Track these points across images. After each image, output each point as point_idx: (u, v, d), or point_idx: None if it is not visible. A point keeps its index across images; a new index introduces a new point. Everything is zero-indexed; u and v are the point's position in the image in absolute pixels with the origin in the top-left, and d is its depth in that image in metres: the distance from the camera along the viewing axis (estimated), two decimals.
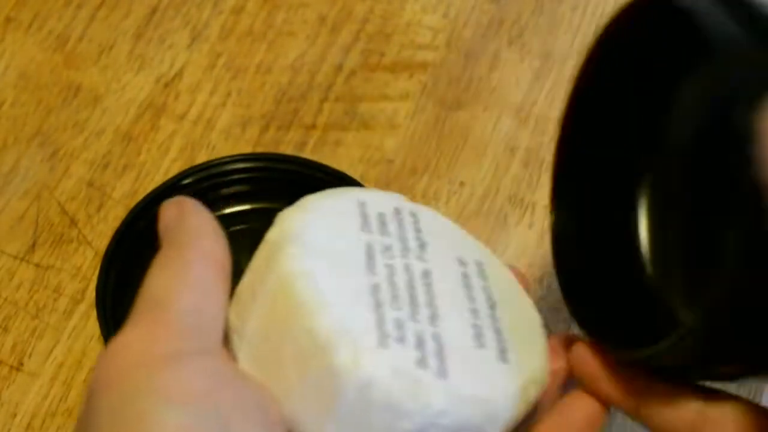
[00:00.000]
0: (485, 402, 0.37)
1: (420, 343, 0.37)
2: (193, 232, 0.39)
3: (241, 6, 0.69)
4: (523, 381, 0.39)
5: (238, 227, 0.62)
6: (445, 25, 0.68)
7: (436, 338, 0.38)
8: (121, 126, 0.66)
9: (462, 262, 0.42)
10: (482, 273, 0.43)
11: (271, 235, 0.40)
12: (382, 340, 0.37)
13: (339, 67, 0.67)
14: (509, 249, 0.62)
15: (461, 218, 0.62)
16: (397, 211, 0.43)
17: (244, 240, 0.61)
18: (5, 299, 0.61)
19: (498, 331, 0.40)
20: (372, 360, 0.36)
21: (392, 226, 0.42)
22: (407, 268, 0.40)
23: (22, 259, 0.62)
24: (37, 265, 0.62)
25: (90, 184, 0.64)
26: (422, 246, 0.42)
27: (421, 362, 0.37)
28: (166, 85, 0.67)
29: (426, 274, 0.40)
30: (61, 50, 0.68)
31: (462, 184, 0.63)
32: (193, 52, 0.68)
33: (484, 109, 0.65)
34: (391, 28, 0.68)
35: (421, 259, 0.41)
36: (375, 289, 0.38)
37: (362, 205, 0.42)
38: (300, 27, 0.68)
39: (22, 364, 0.59)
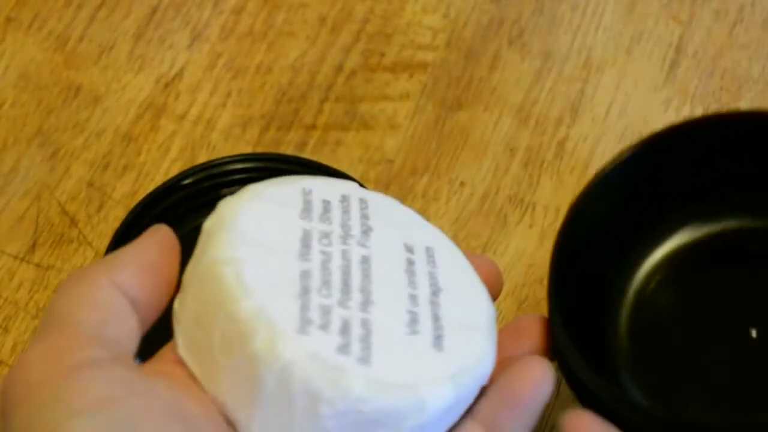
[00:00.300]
0: (408, 389, 0.37)
1: (345, 329, 0.37)
2: (120, 260, 0.39)
3: (242, 6, 0.69)
4: (455, 369, 0.39)
5: None
6: (445, 25, 0.68)
7: (365, 324, 0.38)
8: (121, 126, 0.66)
9: (409, 248, 0.42)
10: (431, 259, 0.42)
11: (207, 222, 0.40)
12: (303, 326, 0.37)
13: (339, 68, 0.67)
14: (509, 249, 0.61)
15: (461, 218, 0.62)
16: (345, 198, 0.43)
17: None
18: (5, 299, 0.61)
19: (437, 318, 0.40)
20: (289, 346, 0.36)
21: (336, 213, 0.42)
22: (345, 255, 0.40)
23: (22, 260, 0.62)
24: (38, 266, 0.62)
25: (90, 184, 0.64)
26: (366, 232, 0.41)
27: (343, 348, 0.37)
28: (167, 85, 0.67)
29: (365, 260, 0.40)
30: (61, 50, 0.68)
31: (462, 184, 0.63)
32: (193, 52, 0.68)
33: (484, 109, 0.65)
34: (392, 28, 0.68)
35: (362, 245, 0.41)
36: (305, 275, 0.39)
37: (307, 192, 0.42)
38: (300, 27, 0.68)
39: None
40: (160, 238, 0.40)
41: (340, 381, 0.36)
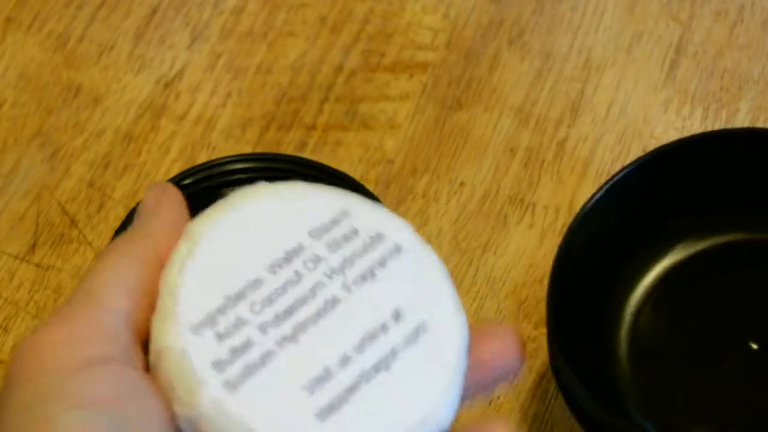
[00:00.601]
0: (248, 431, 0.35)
1: (241, 350, 0.36)
2: (156, 230, 0.38)
3: (242, 6, 0.69)
4: None
5: None
6: (445, 26, 0.68)
7: (266, 356, 0.36)
8: (121, 126, 0.66)
9: (396, 315, 0.38)
10: (414, 337, 0.38)
11: (238, 191, 0.39)
12: (200, 326, 0.36)
13: (339, 68, 0.67)
14: (509, 249, 0.61)
15: (461, 218, 0.62)
16: (379, 237, 0.39)
17: None
18: (5, 299, 0.61)
19: (350, 391, 0.36)
20: (170, 338, 0.35)
21: (352, 246, 0.38)
22: (316, 287, 0.37)
23: (22, 260, 0.62)
24: (38, 266, 0.62)
25: (90, 184, 0.64)
26: (365, 278, 0.38)
27: (220, 364, 0.35)
28: (167, 85, 0.67)
29: (333, 301, 0.37)
30: (61, 51, 0.68)
31: (462, 184, 0.63)
32: (193, 52, 0.68)
33: (484, 109, 0.65)
34: (392, 28, 0.68)
35: (345, 288, 0.38)
36: (254, 284, 0.37)
37: (343, 213, 0.39)
38: (300, 27, 0.68)
39: None
40: (175, 204, 0.39)
41: (194, 390, 0.35)
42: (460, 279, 0.61)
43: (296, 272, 0.38)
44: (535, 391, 0.58)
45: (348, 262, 0.38)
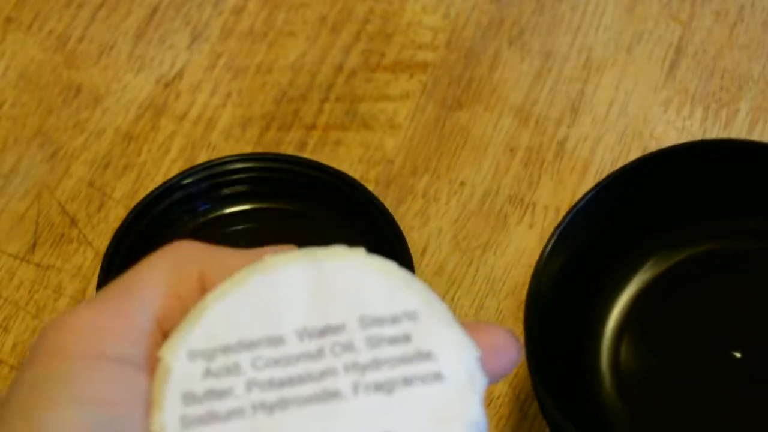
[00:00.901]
0: None
1: (216, 395, 0.35)
2: (231, 254, 0.37)
3: (242, 6, 0.69)
4: None
5: (238, 227, 0.62)
6: (445, 25, 0.68)
7: (233, 414, 0.34)
8: (121, 126, 0.66)
9: None
10: None
11: (332, 247, 0.37)
12: (197, 355, 0.35)
13: (339, 68, 0.67)
14: (509, 249, 0.62)
15: (461, 218, 0.62)
16: (426, 356, 0.35)
17: (244, 240, 0.61)
18: (6, 299, 0.61)
19: None
20: (167, 351, 0.35)
21: (391, 352, 0.35)
22: (326, 373, 0.35)
23: (22, 259, 0.62)
24: (38, 265, 0.62)
25: (90, 184, 0.64)
26: (378, 388, 0.34)
27: (190, 398, 0.35)
28: (167, 85, 0.67)
29: (330, 395, 0.35)
30: (61, 50, 0.68)
31: (462, 184, 0.63)
32: (193, 52, 0.68)
33: (484, 109, 0.65)
34: (392, 28, 0.68)
35: (353, 389, 0.34)
36: (273, 340, 0.35)
37: (410, 316, 0.36)
38: (300, 27, 0.68)
39: (22, 364, 0.60)
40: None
41: (154, 408, 0.34)
42: (460, 279, 0.61)
43: (320, 350, 0.35)
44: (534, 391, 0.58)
45: (375, 364, 0.35)
